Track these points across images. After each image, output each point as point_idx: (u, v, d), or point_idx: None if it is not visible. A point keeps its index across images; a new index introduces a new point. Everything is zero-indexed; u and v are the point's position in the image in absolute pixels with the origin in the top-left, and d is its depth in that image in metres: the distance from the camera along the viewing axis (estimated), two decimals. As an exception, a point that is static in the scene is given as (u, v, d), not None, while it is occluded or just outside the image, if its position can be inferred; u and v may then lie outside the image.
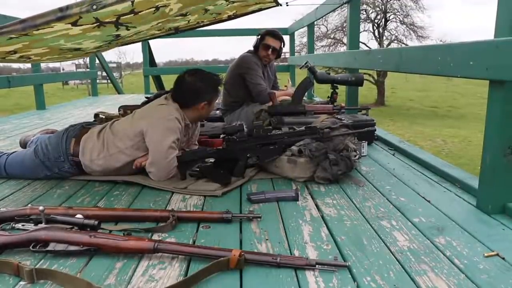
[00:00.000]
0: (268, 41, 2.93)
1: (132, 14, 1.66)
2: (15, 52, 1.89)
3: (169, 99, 1.94)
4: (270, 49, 2.94)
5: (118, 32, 2.02)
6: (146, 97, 2.87)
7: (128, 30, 2.04)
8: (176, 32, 3.20)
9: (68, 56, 2.61)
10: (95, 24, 1.64)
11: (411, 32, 18.48)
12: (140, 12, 1.67)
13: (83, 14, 1.38)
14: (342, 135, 1.94)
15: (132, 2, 1.48)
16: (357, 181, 1.87)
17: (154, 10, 1.77)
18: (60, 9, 1.36)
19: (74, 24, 1.52)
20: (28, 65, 5.01)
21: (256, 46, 3.00)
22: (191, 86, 1.94)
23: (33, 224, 1.30)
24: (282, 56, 3.35)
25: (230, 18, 3.03)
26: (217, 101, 3.05)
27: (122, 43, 3.07)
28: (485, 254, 1.17)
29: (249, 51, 3.05)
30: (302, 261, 1.10)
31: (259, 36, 2.97)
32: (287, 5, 3.02)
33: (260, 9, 3.03)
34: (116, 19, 1.68)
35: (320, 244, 1.25)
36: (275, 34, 2.96)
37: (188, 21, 2.78)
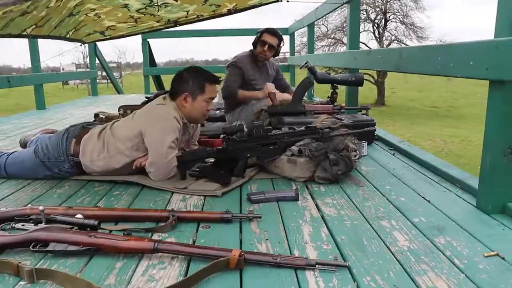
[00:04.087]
0: (265, 37, 3.00)
1: None
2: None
3: (167, 99, 1.94)
4: (267, 46, 3.00)
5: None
6: (146, 97, 2.87)
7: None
8: (175, 25, 3.20)
9: (125, 21, 2.69)
10: None
11: (411, 32, 18.52)
12: None
13: None
14: (342, 135, 1.94)
15: None
16: (357, 181, 1.87)
17: None
18: None
19: None
20: (28, 65, 5.01)
21: (254, 43, 3.07)
22: (178, 75, 1.95)
23: (33, 224, 1.30)
24: (282, 56, 3.37)
25: (230, 12, 3.03)
26: (217, 100, 3.04)
27: (147, 28, 3.09)
28: (485, 254, 1.17)
29: (250, 50, 3.12)
30: (302, 261, 1.10)
31: (258, 34, 3.05)
32: (288, 1, 3.05)
33: (260, 4, 3.03)
34: None
35: (320, 244, 1.25)
36: (272, 31, 3.03)
37: (187, 12, 2.76)
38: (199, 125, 2.20)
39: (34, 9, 1.98)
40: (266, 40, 2.99)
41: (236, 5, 2.84)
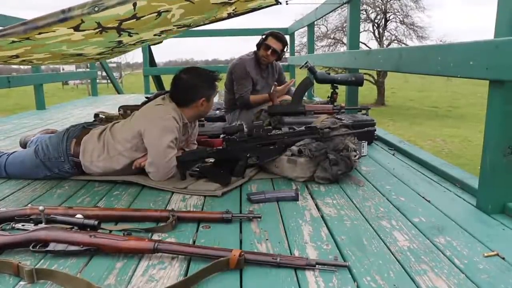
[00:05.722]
0: (270, 42, 2.99)
1: (134, 19, 1.65)
2: (17, 56, 1.89)
3: (166, 99, 1.95)
4: (270, 50, 2.98)
5: (120, 38, 2.01)
6: (146, 97, 2.87)
7: (131, 36, 2.03)
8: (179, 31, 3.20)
9: (70, 60, 2.62)
10: (97, 30, 1.63)
11: (411, 32, 18.53)
12: (142, 17, 1.66)
13: (85, 16, 1.36)
14: (342, 135, 1.94)
15: (134, 6, 1.46)
16: (357, 180, 1.87)
17: (156, 16, 1.75)
18: (62, 11, 1.34)
19: (77, 29, 1.51)
20: (28, 65, 5.00)
21: (258, 45, 3.05)
22: (188, 83, 1.95)
23: (33, 224, 1.29)
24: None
25: (230, 16, 3.03)
26: (217, 100, 3.04)
27: (124, 51, 3.06)
28: (485, 254, 1.17)
29: (253, 52, 3.11)
30: (302, 261, 1.10)
31: (263, 36, 3.03)
32: (287, 4, 3.04)
33: (260, 7, 3.03)
34: (118, 24, 1.66)
35: (320, 244, 1.25)
36: (278, 36, 3.01)
37: (189, 25, 2.78)
38: (197, 123, 2.21)
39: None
40: (270, 45, 2.97)
41: (235, 8, 2.85)
